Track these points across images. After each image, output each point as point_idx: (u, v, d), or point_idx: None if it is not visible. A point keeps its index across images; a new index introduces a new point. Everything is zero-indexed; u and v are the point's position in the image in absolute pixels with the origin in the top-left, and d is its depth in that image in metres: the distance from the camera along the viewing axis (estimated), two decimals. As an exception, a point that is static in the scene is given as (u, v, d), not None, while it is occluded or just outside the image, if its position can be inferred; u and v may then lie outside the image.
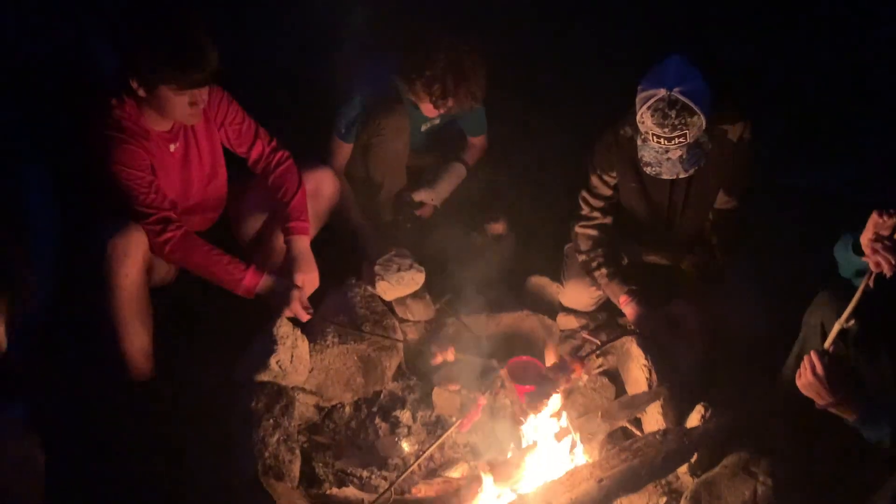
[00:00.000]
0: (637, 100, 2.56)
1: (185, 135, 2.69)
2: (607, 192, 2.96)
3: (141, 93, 2.44)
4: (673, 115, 2.48)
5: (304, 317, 2.67)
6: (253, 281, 2.62)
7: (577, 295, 3.15)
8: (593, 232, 3.00)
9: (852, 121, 3.98)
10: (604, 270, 2.96)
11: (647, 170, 2.67)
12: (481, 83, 3.18)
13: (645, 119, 2.54)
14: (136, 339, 2.61)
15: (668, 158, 2.60)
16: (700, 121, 2.51)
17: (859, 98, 4.05)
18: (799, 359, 2.36)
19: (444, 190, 3.61)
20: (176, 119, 2.58)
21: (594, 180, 2.95)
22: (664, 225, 3.01)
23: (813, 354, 2.09)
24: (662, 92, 2.48)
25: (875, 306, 2.28)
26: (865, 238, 2.09)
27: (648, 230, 3.05)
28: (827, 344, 2.14)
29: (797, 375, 2.14)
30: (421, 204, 3.57)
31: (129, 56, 2.42)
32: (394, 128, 3.27)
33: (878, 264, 2.06)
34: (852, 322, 2.12)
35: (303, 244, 2.79)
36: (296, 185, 2.85)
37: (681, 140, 2.53)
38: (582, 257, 3.02)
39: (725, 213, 2.96)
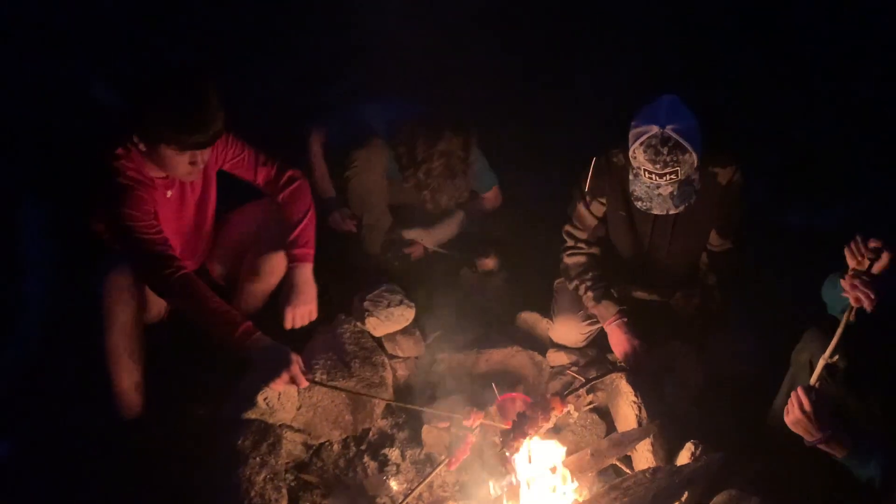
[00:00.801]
0: (630, 135, 2.60)
1: (181, 181, 2.70)
2: (593, 222, 2.96)
3: (142, 147, 2.45)
4: (665, 153, 2.51)
5: (304, 382, 2.47)
6: (248, 331, 2.43)
7: (567, 331, 3.14)
8: (581, 259, 3.01)
9: (845, 163, 4.04)
10: (590, 294, 2.96)
11: (638, 204, 2.69)
12: (465, 182, 3.39)
13: (637, 155, 2.56)
14: (128, 375, 2.58)
15: (659, 194, 2.62)
16: (692, 158, 2.54)
17: (852, 141, 4.12)
18: (788, 396, 2.37)
19: (439, 234, 3.63)
20: (175, 176, 2.59)
21: (580, 210, 2.96)
22: (648, 259, 3.02)
23: (800, 391, 2.09)
24: (655, 129, 2.51)
25: (863, 345, 2.30)
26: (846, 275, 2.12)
27: (633, 264, 3.06)
28: (813, 380, 2.14)
29: (785, 412, 2.13)
30: (411, 242, 3.57)
31: (133, 111, 2.43)
32: (366, 160, 3.31)
33: (857, 299, 2.08)
34: (836, 357, 2.12)
35: (306, 273, 2.75)
36: (304, 208, 2.82)
37: (672, 177, 2.56)
38: (572, 284, 3.03)
39: (721, 255, 2.98)
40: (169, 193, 2.67)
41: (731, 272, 2.98)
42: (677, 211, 2.67)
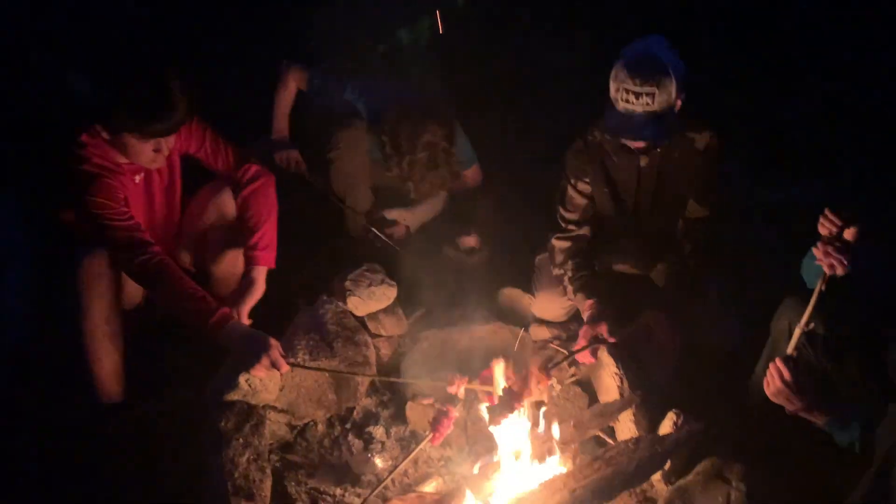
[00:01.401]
0: (615, 66, 2.58)
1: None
2: (582, 201, 2.96)
3: (105, 136, 2.44)
4: (646, 67, 2.51)
5: (285, 367, 2.49)
6: (225, 317, 2.45)
7: (549, 305, 3.15)
8: (566, 244, 2.99)
9: (822, 138, 4.06)
10: (570, 287, 2.95)
11: (609, 135, 2.69)
12: (448, 171, 3.38)
13: (618, 74, 2.55)
14: (108, 360, 2.59)
15: (632, 124, 2.58)
16: (671, 88, 2.52)
17: (828, 118, 4.13)
18: (768, 364, 2.39)
19: (421, 214, 3.62)
20: (139, 163, 2.56)
21: (569, 191, 2.96)
22: (632, 231, 3.02)
23: (778, 362, 2.10)
24: (640, 48, 2.54)
25: (840, 313, 2.32)
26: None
27: (618, 234, 3.06)
28: (790, 349, 2.16)
29: (765, 384, 2.15)
30: (394, 223, 3.56)
31: (95, 100, 2.43)
32: (349, 142, 3.29)
33: (831, 266, 2.10)
34: (812, 325, 2.14)
35: (262, 276, 2.69)
36: (267, 209, 2.76)
37: (649, 100, 2.52)
38: (555, 270, 3.03)
39: (697, 222, 2.98)
40: (137, 178, 2.66)
41: (705, 241, 2.98)
42: (646, 144, 2.65)
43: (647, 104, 2.53)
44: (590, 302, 2.84)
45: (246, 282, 2.65)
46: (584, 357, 2.73)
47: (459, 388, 2.56)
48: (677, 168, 2.75)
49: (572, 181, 2.93)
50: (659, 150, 2.74)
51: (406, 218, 3.58)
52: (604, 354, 2.75)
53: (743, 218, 3.68)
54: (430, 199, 3.61)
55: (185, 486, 2.41)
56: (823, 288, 2.15)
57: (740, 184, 3.87)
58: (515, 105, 4.33)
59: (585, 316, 2.84)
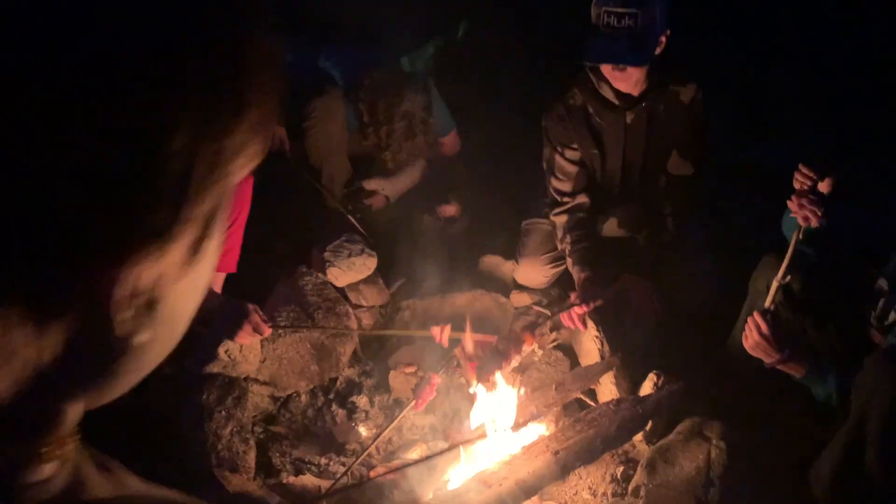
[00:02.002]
0: None
1: None
2: (573, 169, 2.92)
3: None
4: None
5: (267, 330, 2.48)
6: None
7: (532, 272, 3.15)
8: (564, 218, 2.95)
9: (795, 101, 4.07)
10: (570, 260, 2.91)
11: (589, 60, 2.65)
12: (425, 140, 3.38)
13: None
14: None
15: (613, 48, 2.54)
16: (653, 12, 2.50)
17: (801, 80, 4.14)
18: (746, 322, 2.41)
19: (400, 184, 3.58)
20: None
21: (558, 160, 2.92)
22: (625, 194, 3.03)
23: (756, 315, 2.12)
24: None
25: (818, 270, 2.34)
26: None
27: (610, 200, 3.06)
28: (768, 302, 2.18)
29: (744, 337, 2.18)
30: (372, 193, 3.53)
31: None
32: (324, 110, 3.25)
33: (805, 218, 2.11)
34: (789, 278, 2.16)
35: (219, 281, 2.66)
36: (234, 211, 2.62)
37: (631, 22, 2.48)
38: (560, 246, 2.99)
39: (680, 179, 2.98)
40: None
41: (686, 199, 2.99)
42: (626, 69, 2.60)
43: (630, 26, 2.48)
44: (584, 275, 2.79)
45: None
46: (571, 321, 2.72)
47: (445, 336, 2.56)
48: (664, 123, 2.77)
49: (559, 149, 2.90)
50: (644, 104, 2.73)
51: (385, 187, 3.55)
52: (584, 318, 2.76)
53: (723, 177, 3.68)
54: (407, 168, 3.58)
55: (168, 460, 2.40)
56: (800, 238, 2.17)
57: (721, 143, 3.87)
58: (493, 71, 4.29)
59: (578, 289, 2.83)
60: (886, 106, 3.67)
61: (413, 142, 3.34)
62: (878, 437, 1.90)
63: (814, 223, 2.11)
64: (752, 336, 2.13)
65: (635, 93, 2.73)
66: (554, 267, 3.12)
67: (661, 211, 3.04)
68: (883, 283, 2.16)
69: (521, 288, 3.19)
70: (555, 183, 2.96)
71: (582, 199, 2.95)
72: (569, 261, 2.91)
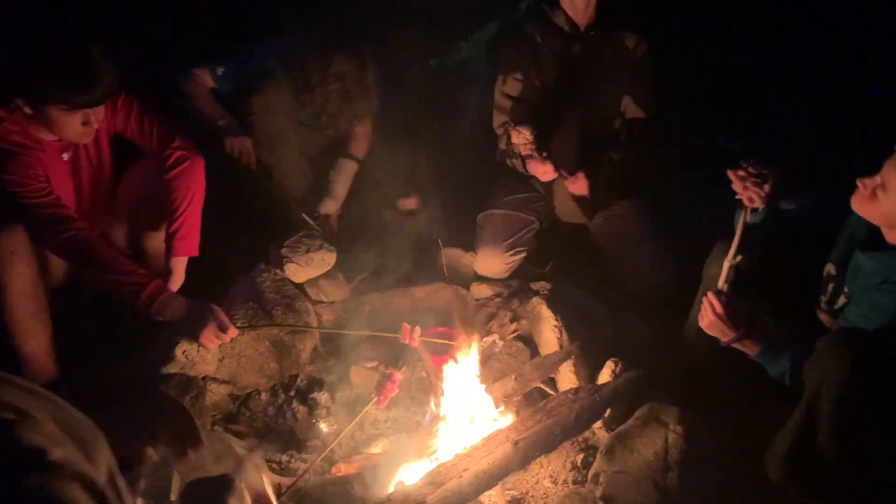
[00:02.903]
0: None
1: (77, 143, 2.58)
2: (506, 102, 3.06)
3: (27, 110, 2.34)
4: None
5: (233, 330, 2.50)
6: (157, 290, 2.43)
7: (491, 261, 3.16)
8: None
9: (757, 90, 4.11)
10: (511, 130, 2.96)
11: (562, 15, 2.82)
12: (366, 105, 3.31)
13: None
14: (34, 338, 2.51)
15: (579, 3, 2.74)
16: None
17: (763, 69, 4.18)
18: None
19: (341, 193, 3.52)
20: (66, 138, 2.47)
21: (496, 93, 3.06)
22: (569, 134, 3.07)
23: (710, 295, 2.17)
24: None
25: (770, 249, 2.38)
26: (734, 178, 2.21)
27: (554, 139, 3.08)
28: (721, 282, 2.21)
29: (700, 317, 2.22)
30: (327, 218, 3.50)
31: (15, 73, 2.31)
32: (265, 103, 3.19)
33: (750, 199, 2.16)
34: (739, 258, 2.19)
35: (181, 266, 2.63)
36: (189, 194, 2.64)
37: None
38: (502, 145, 3.10)
39: (634, 122, 3.05)
40: (65, 156, 2.57)
41: (641, 141, 3.05)
42: (589, 19, 2.79)
43: None
44: (528, 128, 2.90)
45: (164, 271, 2.60)
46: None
47: (414, 338, 2.57)
48: (609, 63, 2.88)
49: (502, 77, 3.01)
50: (592, 34, 2.83)
51: (329, 206, 3.46)
52: (543, 308, 2.77)
53: (684, 164, 3.72)
54: (337, 174, 3.51)
55: (126, 464, 2.36)
56: (748, 219, 2.21)
57: (684, 129, 3.91)
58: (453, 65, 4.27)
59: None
60: (854, 90, 3.72)
61: (352, 105, 3.27)
62: (831, 418, 1.94)
63: (758, 204, 2.17)
64: (708, 315, 2.18)
65: (584, 22, 2.82)
66: (514, 255, 3.14)
67: (617, 148, 3.06)
68: (831, 267, 2.21)
69: (482, 279, 3.19)
70: (494, 117, 3.10)
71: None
72: (511, 131, 2.97)
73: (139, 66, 3.11)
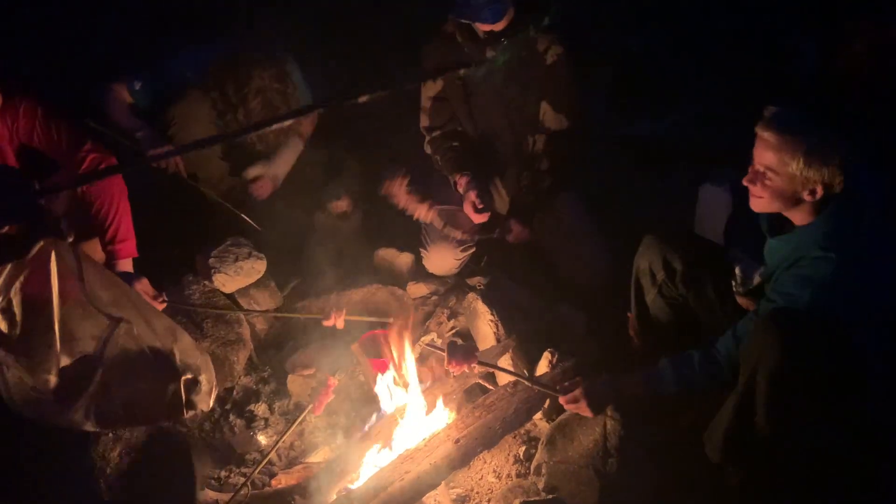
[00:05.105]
0: None
1: None
2: (428, 103, 3.07)
3: None
4: None
5: (160, 306, 2.50)
6: None
7: (442, 259, 3.12)
8: (437, 132, 3.08)
9: (671, 77, 4.18)
10: (446, 167, 3.03)
11: (454, 13, 2.78)
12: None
13: None
14: None
15: (472, 6, 2.71)
16: None
17: (678, 56, 4.26)
18: (637, 299, 2.50)
19: (282, 164, 3.38)
20: None
21: (422, 95, 3.07)
22: (488, 145, 3.10)
23: (562, 401, 2.28)
24: None
25: (697, 249, 2.43)
26: None
27: (477, 150, 3.12)
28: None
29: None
30: (255, 181, 3.32)
31: None
32: (185, 114, 3.08)
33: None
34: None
35: (129, 266, 2.61)
36: (113, 198, 2.57)
37: None
38: (436, 165, 3.09)
39: (555, 135, 3.02)
40: None
41: (563, 155, 3.05)
42: (487, 24, 2.75)
43: None
44: (464, 178, 2.96)
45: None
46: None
47: (340, 320, 2.56)
48: (524, 67, 2.88)
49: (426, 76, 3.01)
50: (504, 39, 2.81)
51: (267, 171, 3.35)
52: (478, 303, 2.77)
53: (608, 153, 3.76)
54: (283, 147, 3.41)
55: (54, 493, 2.26)
56: None
57: (604, 118, 3.94)
58: (378, 56, 4.22)
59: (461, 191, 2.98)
60: (772, 74, 3.80)
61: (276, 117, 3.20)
62: (767, 397, 1.99)
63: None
64: (570, 409, 2.30)
65: (498, 27, 2.80)
66: (464, 250, 3.11)
67: (540, 167, 3.06)
68: (735, 250, 2.26)
69: (418, 278, 3.16)
70: (422, 117, 3.11)
71: (451, 126, 3.08)
72: (445, 168, 3.04)
73: (45, 74, 3.00)
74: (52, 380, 1.98)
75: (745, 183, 2.05)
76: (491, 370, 2.49)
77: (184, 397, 2.16)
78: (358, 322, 2.79)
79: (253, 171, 3.31)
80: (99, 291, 2.03)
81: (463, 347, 2.37)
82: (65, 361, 1.99)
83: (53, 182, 2.62)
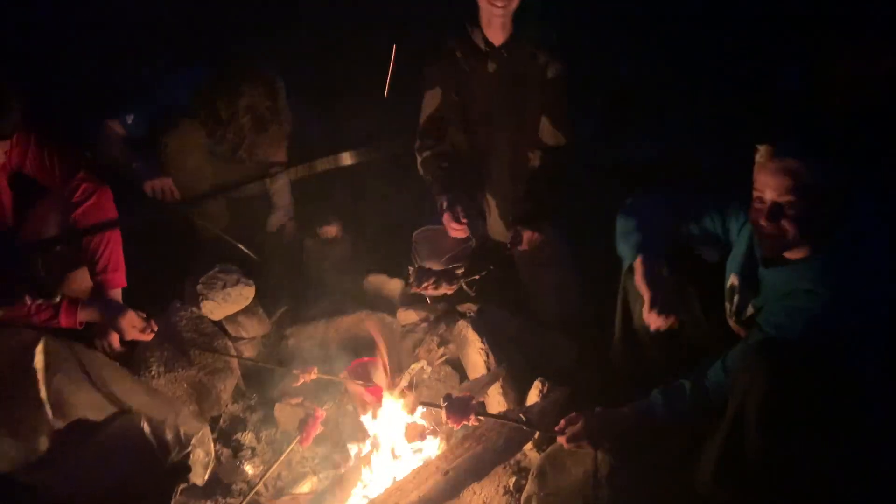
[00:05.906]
0: None
1: None
2: (433, 113, 3.04)
3: None
4: None
5: (148, 337, 2.56)
6: (70, 320, 2.48)
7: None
8: (428, 153, 3.05)
9: (653, 104, 4.21)
10: (435, 186, 3.00)
11: (480, 34, 2.84)
12: (280, 129, 3.27)
13: None
14: None
15: (495, 22, 2.78)
16: None
17: (662, 84, 4.29)
18: (622, 313, 2.49)
19: (286, 202, 3.51)
20: None
21: (423, 105, 3.04)
22: (487, 163, 3.10)
23: (562, 440, 2.24)
24: None
25: (687, 264, 2.42)
26: None
27: (476, 170, 3.12)
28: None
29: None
30: (282, 229, 3.47)
31: None
32: (178, 140, 3.08)
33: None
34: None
35: (117, 297, 2.62)
36: (104, 229, 2.59)
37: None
38: (427, 177, 3.07)
39: (554, 150, 3.01)
40: None
41: (556, 174, 3.03)
42: (504, 38, 2.80)
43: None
44: (444, 199, 2.92)
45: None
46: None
47: (311, 377, 2.53)
48: (524, 80, 2.89)
49: (424, 92, 3.01)
50: (505, 53, 2.85)
51: (285, 216, 3.48)
52: (469, 331, 2.75)
53: (589, 177, 3.75)
54: (274, 183, 3.47)
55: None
56: None
57: (593, 141, 3.95)
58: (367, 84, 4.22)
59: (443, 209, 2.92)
60: (753, 97, 3.82)
61: (266, 133, 3.21)
62: (757, 427, 1.97)
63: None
64: (571, 446, 2.25)
65: (499, 40, 2.84)
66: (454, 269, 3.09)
67: (535, 184, 3.04)
68: (734, 279, 2.25)
69: (408, 305, 3.14)
70: (420, 127, 3.08)
71: (442, 146, 3.06)
72: (434, 186, 2.99)
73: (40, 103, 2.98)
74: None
75: (762, 223, 1.99)
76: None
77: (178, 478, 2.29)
78: (345, 350, 2.77)
79: (275, 223, 3.43)
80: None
81: (459, 401, 2.28)
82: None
83: (41, 241, 2.68)
